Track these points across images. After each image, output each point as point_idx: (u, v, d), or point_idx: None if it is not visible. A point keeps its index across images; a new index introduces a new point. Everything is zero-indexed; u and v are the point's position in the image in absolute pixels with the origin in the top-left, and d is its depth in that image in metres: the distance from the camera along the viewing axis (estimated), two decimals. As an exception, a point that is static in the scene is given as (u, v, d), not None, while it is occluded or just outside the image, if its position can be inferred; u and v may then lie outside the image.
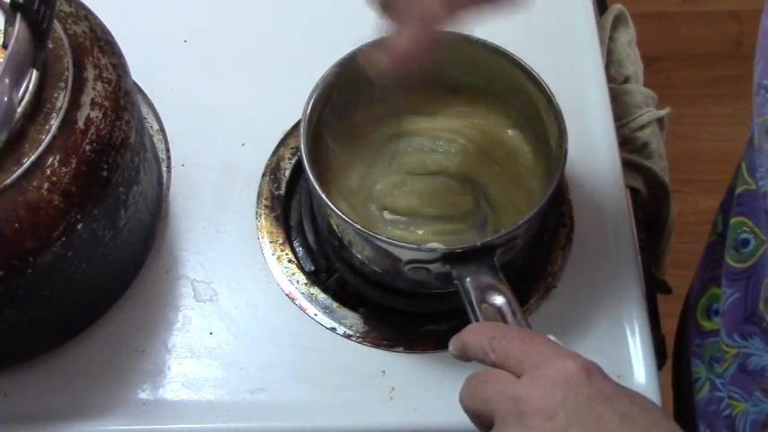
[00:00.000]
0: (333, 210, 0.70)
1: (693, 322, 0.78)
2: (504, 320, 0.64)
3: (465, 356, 0.60)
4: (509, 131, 0.80)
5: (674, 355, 0.84)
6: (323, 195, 0.70)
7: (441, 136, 0.80)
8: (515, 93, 0.77)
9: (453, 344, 0.61)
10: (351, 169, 0.79)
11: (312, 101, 0.74)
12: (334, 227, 0.74)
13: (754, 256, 0.66)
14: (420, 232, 0.76)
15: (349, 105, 0.79)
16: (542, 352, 0.55)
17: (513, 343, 0.56)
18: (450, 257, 0.68)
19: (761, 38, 0.59)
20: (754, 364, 0.66)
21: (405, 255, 0.70)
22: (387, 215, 0.77)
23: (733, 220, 0.69)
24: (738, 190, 0.69)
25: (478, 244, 0.68)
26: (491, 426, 0.54)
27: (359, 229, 0.70)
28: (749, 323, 0.66)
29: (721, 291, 0.70)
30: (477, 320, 0.65)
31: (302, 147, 0.72)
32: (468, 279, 0.67)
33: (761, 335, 0.66)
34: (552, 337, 0.57)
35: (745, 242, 0.67)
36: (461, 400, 0.57)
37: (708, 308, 0.76)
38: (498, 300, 0.66)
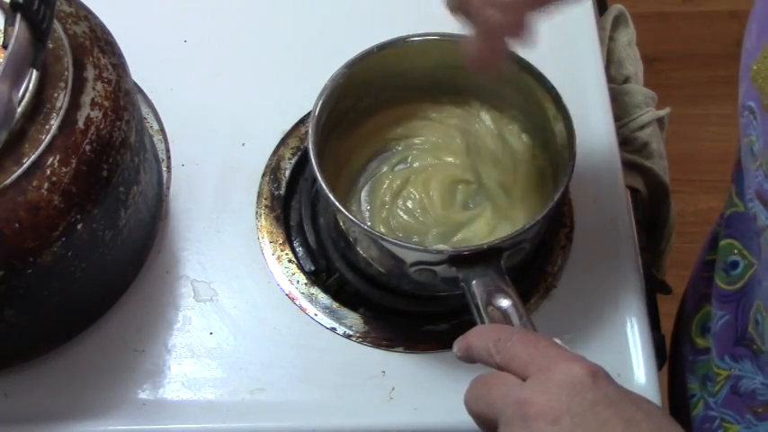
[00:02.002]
0: (341, 210, 0.70)
1: (687, 338, 0.78)
2: (510, 323, 0.64)
3: (470, 358, 0.59)
4: (515, 134, 0.80)
5: (669, 366, 0.84)
6: (330, 195, 0.70)
7: (447, 138, 0.80)
8: (522, 95, 0.77)
9: (458, 345, 0.60)
10: (357, 169, 0.79)
11: (321, 101, 0.73)
12: (341, 225, 0.74)
13: (743, 278, 0.66)
14: (426, 234, 0.76)
15: (356, 106, 0.79)
16: (548, 355, 0.55)
17: (518, 345, 0.56)
18: (456, 259, 0.68)
19: (743, 59, 0.59)
20: (745, 387, 0.66)
21: (411, 256, 0.70)
22: (392, 216, 0.77)
23: (722, 243, 0.69)
24: (727, 212, 0.69)
25: (485, 246, 0.68)
26: (496, 429, 0.54)
27: (368, 230, 0.70)
28: (739, 345, 0.66)
29: (712, 311, 0.70)
30: (483, 323, 0.65)
31: (310, 147, 0.71)
32: (474, 281, 0.67)
33: (751, 357, 0.66)
34: (558, 341, 0.57)
35: (734, 264, 0.67)
36: (466, 404, 0.57)
37: (702, 325, 0.76)
38: (504, 302, 0.65)
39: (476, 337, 0.59)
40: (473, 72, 0.67)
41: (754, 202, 0.58)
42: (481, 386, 0.56)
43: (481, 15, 0.63)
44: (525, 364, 0.55)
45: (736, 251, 0.67)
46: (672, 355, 0.83)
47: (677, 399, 0.80)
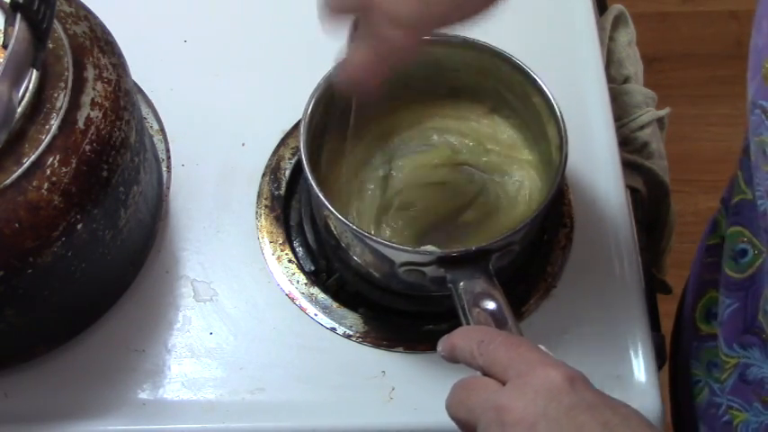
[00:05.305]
0: (330, 210, 0.70)
1: (691, 324, 0.78)
2: (496, 326, 0.64)
3: (453, 358, 0.60)
4: (510, 134, 0.80)
5: (670, 353, 0.84)
6: (320, 195, 0.70)
7: (441, 138, 0.80)
8: (517, 96, 0.77)
9: (442, 344, 0.61)
10: (351, 169, 0.79)
11: (313, 101, 0.74)
12: (332, 227, 0.74)
13: (752, 266, 0.66)
14: (421, 234, 0.76)
15: (350, 106, 0.79)
16: (528, 359, 0.55)
17: (500, 348, 0.56)
18: (444, 261, 0.68)
19: (752, 55, 0.59)
20: (754, 375, 0.66)
21: (400, 257, 0.70)
22: (384, 215, 0.77)
23: (730, 230, 0.68)
24: (735, 199, 0.68)
25: (473, 248, 0.68)
26: None
27: (355, 230, 0.70)
28: (748, 333, 0.66)
29: (720, 299, 0.70)
30: (468, 324, 0.65)
31: (302, 147, 0.72)
32: (461, 283, 0.67)
33: (760, 346, 0.65)
34: (543, 348, 0.57)
35: (743, 252, 0.67)
36: (447, 408, 0.57)
37: (707, 311, 0.76)
38: (491, 305, 0.66)
39: (460, 338, 0.60)
40: (345, 90, 0.65)
41: (764, 199, 0.58)
42: (461, 391, 0.57)
43: (380, 34, 0.60)
44: (505, 368, 0.55)
45: (744, 239, 0.67)
46: (674, 340, 0.83)
47: (680, 384, 0.80)
